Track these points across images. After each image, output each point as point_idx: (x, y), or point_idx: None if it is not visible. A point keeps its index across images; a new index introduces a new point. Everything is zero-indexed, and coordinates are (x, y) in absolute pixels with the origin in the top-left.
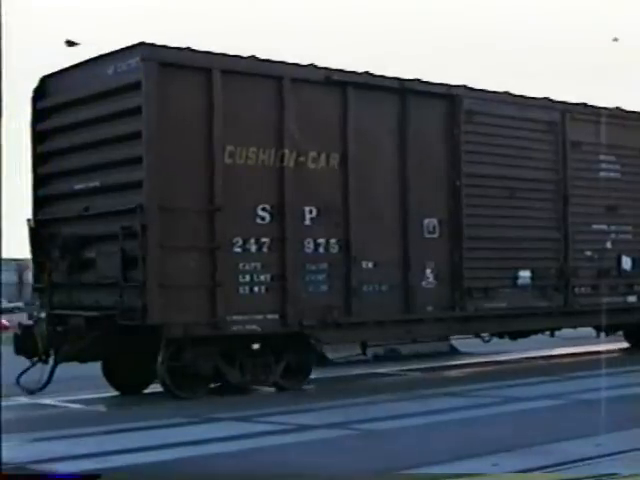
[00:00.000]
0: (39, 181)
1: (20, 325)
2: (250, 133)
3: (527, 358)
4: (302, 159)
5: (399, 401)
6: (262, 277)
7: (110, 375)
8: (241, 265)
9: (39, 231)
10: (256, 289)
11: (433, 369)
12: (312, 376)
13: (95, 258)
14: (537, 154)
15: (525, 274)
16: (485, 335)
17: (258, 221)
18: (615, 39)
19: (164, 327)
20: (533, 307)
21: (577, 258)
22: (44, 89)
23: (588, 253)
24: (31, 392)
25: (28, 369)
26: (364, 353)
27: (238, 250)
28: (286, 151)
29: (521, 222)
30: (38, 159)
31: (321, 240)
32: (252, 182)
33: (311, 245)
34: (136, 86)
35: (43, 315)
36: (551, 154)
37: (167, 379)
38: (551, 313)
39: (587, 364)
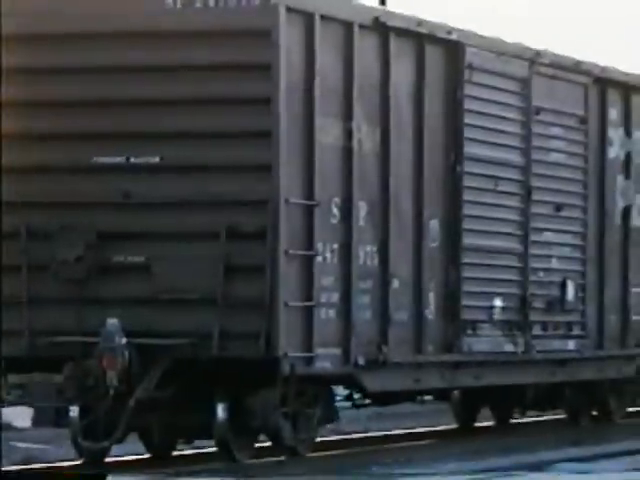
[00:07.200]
0: None
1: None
2: (326, 100)
3: None
4: (360, 136)
5: None
6: (334, 297)
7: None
8: (322, 280)
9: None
10: (330, 313)
11: None
12: None
13: (148, 263)
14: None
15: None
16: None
17: (332, 221)
18: None
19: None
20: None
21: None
22: None
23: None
24: (103, 449)
25: (95, 419)
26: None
27: (319, 259)
28: (353, 126)
29: (501, 227)
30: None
31: (368, 249)
32: (330, 168)
33: (361, 255)
34: (258, 34)
35: (124, 341)
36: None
37: (229, 435)
38: None
39: None
